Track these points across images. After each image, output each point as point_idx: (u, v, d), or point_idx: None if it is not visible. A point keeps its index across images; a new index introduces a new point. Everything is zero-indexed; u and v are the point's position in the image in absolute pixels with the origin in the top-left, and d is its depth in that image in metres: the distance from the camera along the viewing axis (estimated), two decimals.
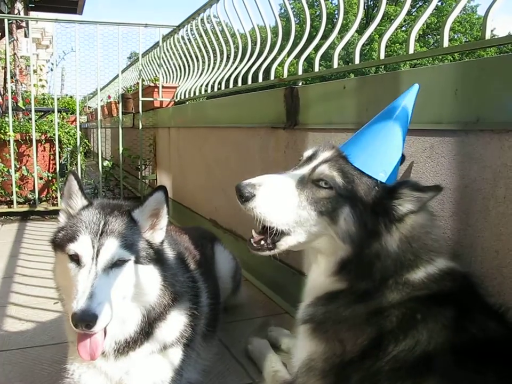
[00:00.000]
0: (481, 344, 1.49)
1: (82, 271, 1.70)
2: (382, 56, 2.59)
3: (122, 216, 1.84)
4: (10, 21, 6.68)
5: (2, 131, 6.01)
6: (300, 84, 3.28)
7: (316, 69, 3.24)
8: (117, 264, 1.73)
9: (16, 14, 7.82)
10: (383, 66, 2.88)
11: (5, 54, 6.31)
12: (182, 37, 6.18)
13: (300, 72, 3.31)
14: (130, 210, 1.86)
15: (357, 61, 2.79)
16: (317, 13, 29.98)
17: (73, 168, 6.73)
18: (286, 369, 2.19)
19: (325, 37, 3.29)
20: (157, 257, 1.86)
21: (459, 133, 1.87)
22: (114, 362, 1.89)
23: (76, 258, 1.73)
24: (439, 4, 43.13)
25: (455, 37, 46.00)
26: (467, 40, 44.69)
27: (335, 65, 3.01)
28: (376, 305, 1.66)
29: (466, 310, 1.58)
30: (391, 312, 1.62)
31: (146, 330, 1.89)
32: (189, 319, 2.04)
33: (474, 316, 1.57)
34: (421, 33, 45.33)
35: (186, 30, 6.02)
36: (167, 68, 6.92)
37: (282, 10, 26.81)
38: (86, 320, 1.59)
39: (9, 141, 5.93)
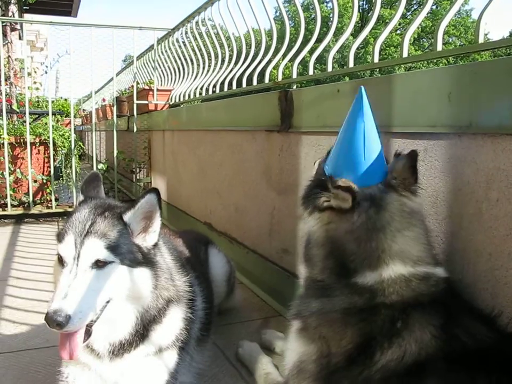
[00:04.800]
0: (473, 352, 1.48)
1: (64, 271, 1.71)
2: (376, 60, 2.60)
3: (112, 217, 1.83)
4: (4, 23, 6.66)
5: None
6: (295, 87, 3.29)
7: (311, 72, 3.25)
8: (99, 265, 1.73)
9: (11, 16, 7.81)
10: (377, 70, 2.89)
11: None
12: (177, 40, 6.18)
13: (295, 75, 3.32)
14: (121, 212, 1.85)
15: (351, 64, 2.80)
16: (312, 16, 30.07)
17: (68, 171, 6.73)
18: (278, 371, 2.20)
19: (319, 40, 3.30)
20: (147, 261, 1.85)
21: (452, 136, 1.88)
22: (109, 364, 1.89)
23: (60, 258, 1.75)
24: (434, 7, 43.37)
25: (450, 41, 46.21)
26: (462, 43, 44.90)
27: (330, 69, 3.01)
28: (342, 304, 1.68)
29: (453, 315, 1.58)
30: (363, 316, 1.63)
31: (141, 333, 1.88)
32: (185, 323, 2.04)
33: (463, 321, 1.57)
34: (416, 36, 45.53)
35: (181, 33, 6.01)
36: (161, 70, 6.92)
37: (277, 14, 26.86)
38: (56, 320, 1.60)
39: (3, 143, 5.91)
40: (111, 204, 1.96)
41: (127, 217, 1.84)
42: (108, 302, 1.77)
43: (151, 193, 1.84)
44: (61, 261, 1.75)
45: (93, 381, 1.92)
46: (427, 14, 2.46)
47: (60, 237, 1.79)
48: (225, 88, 4.76)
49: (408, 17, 39.92)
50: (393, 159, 1.83)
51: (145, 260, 1.84)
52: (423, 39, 47.88)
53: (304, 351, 1.75)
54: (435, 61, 2.88)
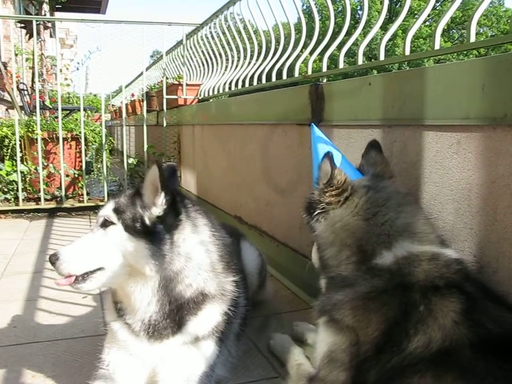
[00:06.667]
0: (500, 340, 1.48)
1: None
2: (408, 52, 2.58)
3: (134, 189, 2.00)
4: (38, 22, 6.79)
5: (30, 129, 6.12)
6: (325, 80, 3.29)
7: (341, 65, 3.25)
8: (106, 225, 1.90)
9: (44, 15, 7.94)
10: (406, 62, 2.87)
11: (33, 55, 6.42)
12: (205, 35, 6.22)
13: (324, 69, 3.32)
14: (139, 185, 1.98)
15: (381, 57, 2.79)
16: (339, 8, 29.84)
17: (99, 166, 6.83)
18: (310, 362, 2.21)
19: (348, 33, 3.29)
20: (151, 234, 1.89)
21: (486, 128, 1.86)
22: (148, 346, 1.96)
23: None
24: None
25: (481, 31, 45.30)
26: (493, 33, 44.02)
27: (360, 62, 3.00)
28: (364, 289, 1.72)
29: (474, 300, 1.58)
30: (385, 300, 1.66)
31: (172, 318, 1.94)
32: (225, 318, 2.08)
33: (487, 307, 1.57)
34: (445, 27, 44.77)
35: (210, 28, 6.05)
36: (190, 65, 6.97)
37: (305, 7, 26.72)
38: (50, 259, 1.92)
39: (37, 139, 6.03)
40: None
41: (142, 189, 1.93)
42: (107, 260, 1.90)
43: (152, 166, 1.89)
44: None
45: (133, 366, 1.99)
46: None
47: None
48: (255, 83, 4.78)
49: (437, 8, 39.29)
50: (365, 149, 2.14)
51: (149, 232, 1.89)
52: (453, 30, 47.04)
53: (333, 340, 1.77)
54: (465, 52, 2.86)
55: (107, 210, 1.93)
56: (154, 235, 1.88)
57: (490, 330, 1.50)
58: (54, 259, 1.89)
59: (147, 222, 1.89)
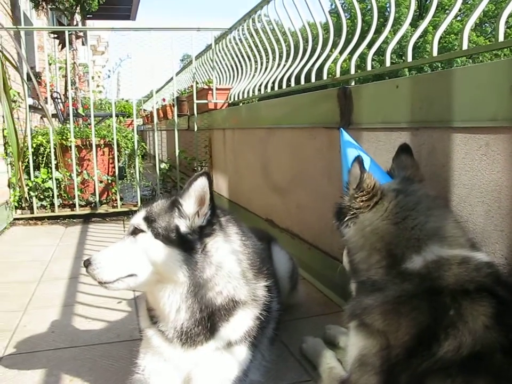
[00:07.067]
0: None
1: None
2: (435, 53, 2.57)
3: (171, 199, 2.01)
4: (70, 32, 6.94)
5: (64, 137, 6.25)
6: (353, 83, 3.29)
7: (369, 67, 3.25)
8: (135, 232, 1.94)
9: (75, 25, 8.09)
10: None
11: (66, 64, 6.55)
12: (234, 38, 6.26)
13: (353, 71, 3.32)
14: (178, 195, 1.98)
15: (409, 58, 2.77)
16: (368, 7, 29.60)
17: (131, 171, 6.93)
18: (342, 366, 2.22)
19: (377, 31, 3.27)
20: (186, 243, 1.91)
21: None
22: (182, 353, 1.99)
23: None
24: None
25: None
26: None
27: (388, 64, 3.00)
28: (394, 293, 1.71)
29: (505, 305, 1.56)
30: (415, 304, 1.65)
31: (204, 324, 1.96)
32: (257, 323, 2.10)
33: None
34: (477, 21, 43.90)
35: (238, 31, 6.09)
36: (220, 69, 7.02)
37: (333, 6, 26.57)
38: (84, 262, 1.99)
39: (70, 146, 6.16)
40: None
41: (182, 199, 1.95)
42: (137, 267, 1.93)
43: (202, 177, 1.91)
44: None
45: (168, 371, 2.03)
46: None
47: None
48: (284, 86, 4.79)
49: (469, 2, 38.59)
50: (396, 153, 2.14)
51: (185, 241, 1.91)
52: (486, 24, 46.11)
53: (364, 344, 1.77)
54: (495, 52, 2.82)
55: (137, 219, 1.97)
56: (187, 243, 1.92)
57: None
58: (87, 263, 1.96)
59: (183, 230, 1.93)
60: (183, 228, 1.92)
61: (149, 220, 1.94)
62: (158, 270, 1.91)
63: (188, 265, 1.89)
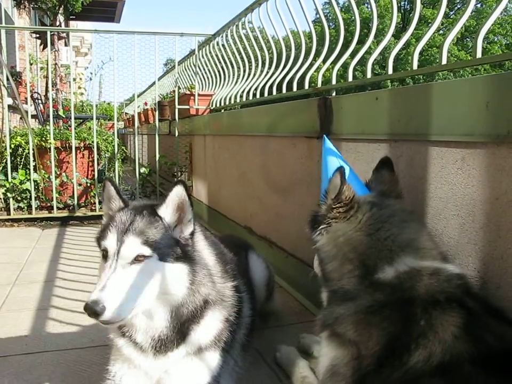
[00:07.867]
0: (501, 355, 1.48)
1: (105, 266, 1.80)
2: (415, 67, 2.61)
3: (150, 215, 1.90)
4: (52, 33, 6.88)
5: (43, 139, 6.19)
6: (334, 93, 3.31)
7: (350, 78, 3.28)
8: (138, 260, 1.80)
9: (58, 25, 8.04)
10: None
11: (47, 64, 6.49)
12: (217, 43, 6.27)
13: (334, 82, 3.35)
14: (155, 208, 1.92)
15: (390, 71, 2.80)
16: (352, 17, 29.88)
17: (111, 175, 6.88)
18: (315, 375, 2.22)
19: (360, 41, 3.31)
20: (186, 255, 1.89)
21: (490, 145, 1.87)
22: (153, 361, 1.96)
23: (105, 254, 1.84)
24: (479, 6, 42.33)
25: (495, 40, 45.09)
26: (507, 42, 43.80)
27: (369, 75, 3.04)
28: (365, 303, 1.73)
29: (474, 315, 1.59)
30: (386, 314, 1.67)
31: (180, 330, 1.94)
32: (226, 325, 2.08)
33: (487, 322, 1.58)
34: (459, 36, 44.56)
35: (222, 37, 6.10)
36: (202, 75, 7.02)
37: (318, 16, 26.76)
38: (92, 309, 1.69)
39: (50, 148, 6.10)
40: (149, 203, 2.02)
41: (161, 212, 1.91)
42: (146, 295, 1.83)
43: (178, 185, 1.90)
44: (104, 257, 1.85)
45: (138, 378, 2.00)
46: (471, 13, 2.44)
47: (103, 233, 1.89)
48: (266, 94, 4.81)
49: (451, 17, 39.18)
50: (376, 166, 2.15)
51: (184, 254, 1.89)
52: (467, 39, 46.82)
53: (335, 355, 1.78)
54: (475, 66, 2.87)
55: (136, 247, 1.81)
56: (184, 253, 1.90)
57: (490, 345, 1.50)
58: (99, 310, 1.69)
59: (183, 242, 1.92)
60: (179, 239, 1.92)
61: (150, 243, 1.83)
62: (166, 289, 1.86)
63: (193, 275, 1.90)
